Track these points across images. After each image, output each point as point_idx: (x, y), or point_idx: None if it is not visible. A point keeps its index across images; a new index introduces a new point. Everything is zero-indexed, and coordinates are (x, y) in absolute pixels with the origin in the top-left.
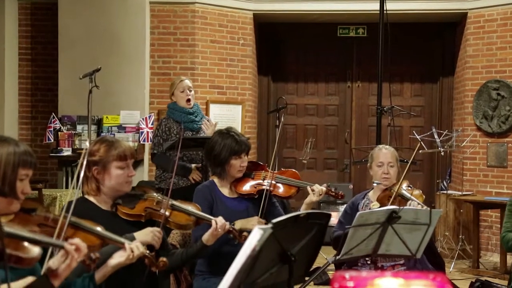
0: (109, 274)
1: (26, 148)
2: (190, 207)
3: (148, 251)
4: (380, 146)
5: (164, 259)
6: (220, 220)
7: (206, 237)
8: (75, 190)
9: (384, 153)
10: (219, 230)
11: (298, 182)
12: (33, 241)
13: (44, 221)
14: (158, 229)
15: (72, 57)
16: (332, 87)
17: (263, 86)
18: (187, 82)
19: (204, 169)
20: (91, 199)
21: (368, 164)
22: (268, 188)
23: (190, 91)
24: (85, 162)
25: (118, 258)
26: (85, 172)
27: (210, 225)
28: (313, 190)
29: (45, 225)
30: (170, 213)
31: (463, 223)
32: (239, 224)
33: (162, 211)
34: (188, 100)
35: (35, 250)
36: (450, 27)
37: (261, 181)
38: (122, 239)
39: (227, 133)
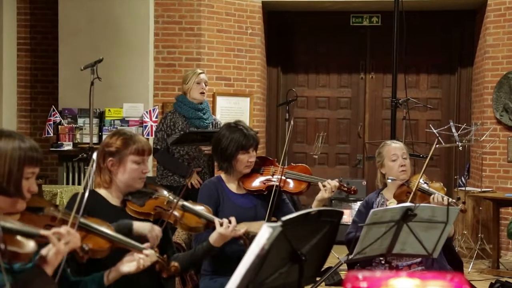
0: (117, 278)
1: (32, 144)
2: (201, 210)
3: (159, 255)
4: (388, 141)
5: (176, 264)
6: (232, 221)
7: (214, 237)
8: (81, 188)
9: (396, 147)
10: (228, 233)
11: (309, 177)
12: (15, 232)
13: (51, 222)
14: (159, 228)
15: (73, 48)
16: (344, 79)
17: (272, 78)
18: (204, 76)
19: (205, 171)
20: (101, 192)
21: (378, 163)
22: (277, 183)
23: (206, 85)
24: (93, 170)
25: (129, 266)
26: (99, 163)
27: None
28: (324, 186)
29: (52, 227)
30: (180, 214)
31: (482, 221)
32: (242, 226)
33: (171, 211)
34: (202, 93)
35: (30, 245)
36: (469, 15)
37: (270, 176)
38: (133, 243)
39: (235, 126)
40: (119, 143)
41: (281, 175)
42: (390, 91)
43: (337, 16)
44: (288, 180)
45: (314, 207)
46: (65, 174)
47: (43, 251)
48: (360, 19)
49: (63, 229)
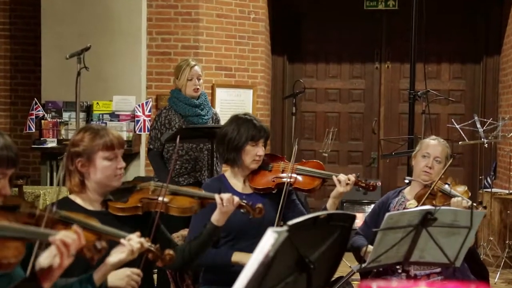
0: (109, 274)
1: (5, 141)
2: (191, 189)
3: (151, 244)
4: (434, 136)
5: (171, 252)
6: (226, 195)
7: (216, 216)
8: (59, 188)
9: (434, 145)
10: (227, 204)
11: (322, 173)
12: (15, 236)
13: (29, 219)
14: (137, 270)
15: (57, 34)
16: (357, 69)
17: (277, 68)
18: (197, 69)
19: (204, 171)
20: (76, 200)
21: (414, 153)
22: (288, 180)
23: (199, 79)
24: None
25: (118, 255)
26: (67, 165)
27: (215, 208)
28: (339, 180)
29: (30, 224)
30: (170, 199)
31: (510, 227)
32: (237, 257)
33: (160, 198)
34: (196, 90)
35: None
36: None
37: (280, 173)
38: (121, 233)
39: (245, 117)
40: (86, 140)
41: (291, 173)
42: (408, 82)
43: None
44: (300, 176)
45: (329, 206)
46: (48, 173)
47: (42, 261)
48: (375, 3)
49: (65, 235)
